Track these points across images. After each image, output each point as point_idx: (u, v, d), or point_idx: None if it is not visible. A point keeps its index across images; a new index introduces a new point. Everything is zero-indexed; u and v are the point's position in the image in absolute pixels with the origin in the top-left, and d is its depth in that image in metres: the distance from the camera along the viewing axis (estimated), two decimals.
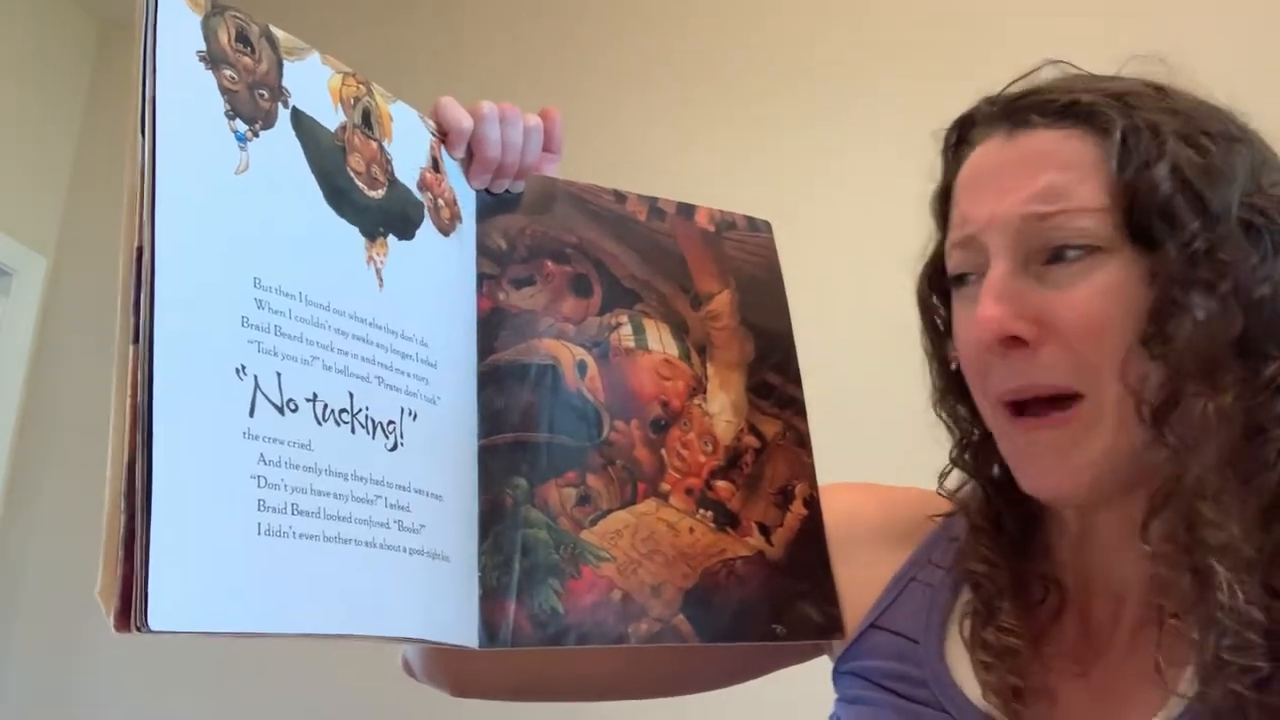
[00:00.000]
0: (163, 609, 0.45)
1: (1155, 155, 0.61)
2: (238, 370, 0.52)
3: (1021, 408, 0.64)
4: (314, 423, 0.56)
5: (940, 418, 0.73)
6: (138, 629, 0.44)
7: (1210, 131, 0.63)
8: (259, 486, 0.51)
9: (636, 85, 2.36)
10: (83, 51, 2.77)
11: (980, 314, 0.62)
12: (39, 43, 2.65)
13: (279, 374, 0.54)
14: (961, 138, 0.70)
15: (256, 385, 0.53)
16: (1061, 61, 0.69)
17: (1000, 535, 0.69)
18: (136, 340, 0.49)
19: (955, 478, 0.74)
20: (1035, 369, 0.62)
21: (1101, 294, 0.61)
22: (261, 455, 0.52)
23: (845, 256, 2.02)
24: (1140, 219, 0.61)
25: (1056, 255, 0.62)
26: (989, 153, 0.66)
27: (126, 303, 0.49)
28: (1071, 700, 0.64)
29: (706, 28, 2.36)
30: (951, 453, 0.73)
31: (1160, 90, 0.65)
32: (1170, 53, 0.68)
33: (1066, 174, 0.62)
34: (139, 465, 0.47)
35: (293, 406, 0.55)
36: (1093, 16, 1.98)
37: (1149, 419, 0.60)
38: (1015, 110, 0.66)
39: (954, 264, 0.68)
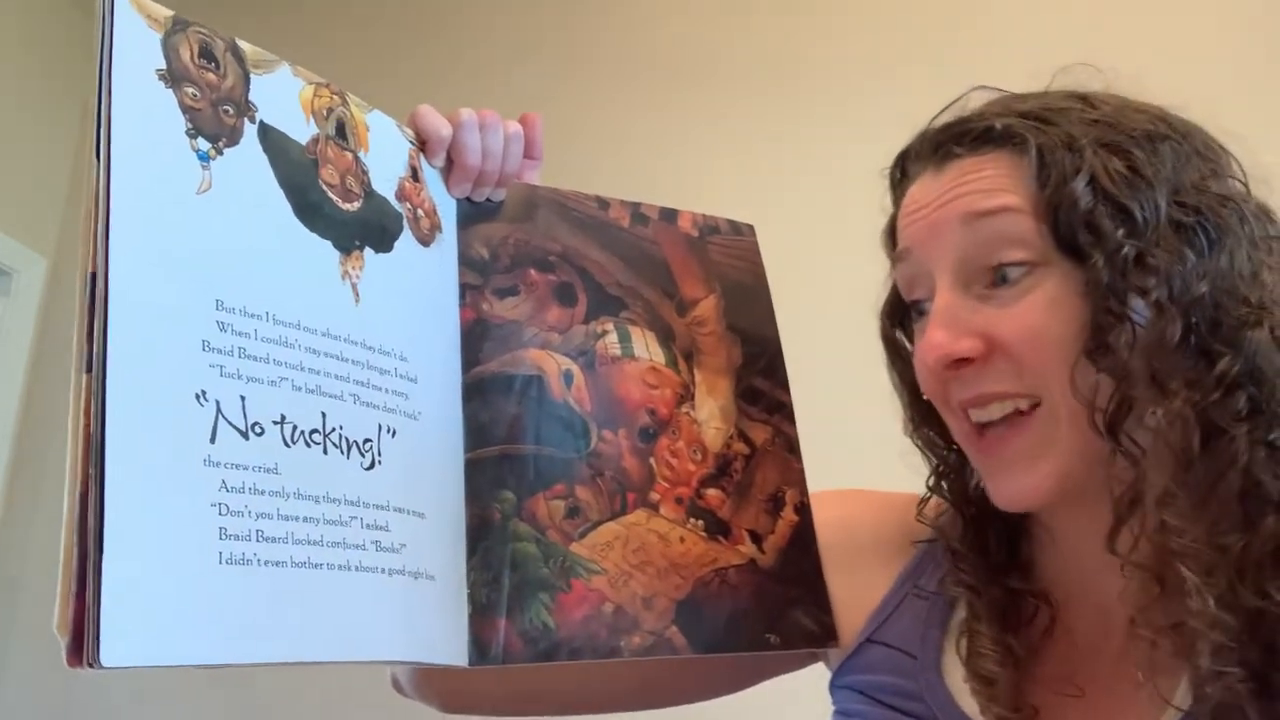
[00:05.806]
0: (115, 644, 0.44)
1: (1073, 169, 0.61)
2: (198, 396, 0.51)
3: (984, 428, 0.64)
4: (282, 445, 0.55)
5: (916, 445, 0.73)
6: (89, 665, 0.43)
7: (1134, 134, 0.62)
8: (220, 514, 0.50)
9: (625, 82, 2.35)
10: (83, 52, 2.77)
11: (926, 340, 0.63)
12: (39, 43, 2.64)
13: (243, 397, 0.53)
14: (902, 172, 0.71)
15: (218, 410, 0.52)
16: (988, 87, 0.69)
17: (983, 557, 0.68)
18: (90, 369, 0.48)
19: (934, 504, 0.73)
20: (987, 380, 0.62)
21: (1042, 307, 0.61)
22: (224, 482, 0.51)
23: (836, 257, 2.01)
24: (1065, 233, 0.60)
25: (1000, 278, 0.62)
26: (920, 189, 0.67)
27: (81, 330, 0.48)
28: (1069, 715, 0.63)
29: (697, 26, 2.35)
30: (928, 481, 0.73)
31: (1083, 100, 0.65)
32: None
33: (990, 191, 0.63)
34: (91, 497, 0.46)
35: (258, 430, 0.54)
36: (1076, 14, 1.97)
37: (1104, 429, 0.59)
38: (939, 144, 0.67)
39: (906, 293, 0.69)
